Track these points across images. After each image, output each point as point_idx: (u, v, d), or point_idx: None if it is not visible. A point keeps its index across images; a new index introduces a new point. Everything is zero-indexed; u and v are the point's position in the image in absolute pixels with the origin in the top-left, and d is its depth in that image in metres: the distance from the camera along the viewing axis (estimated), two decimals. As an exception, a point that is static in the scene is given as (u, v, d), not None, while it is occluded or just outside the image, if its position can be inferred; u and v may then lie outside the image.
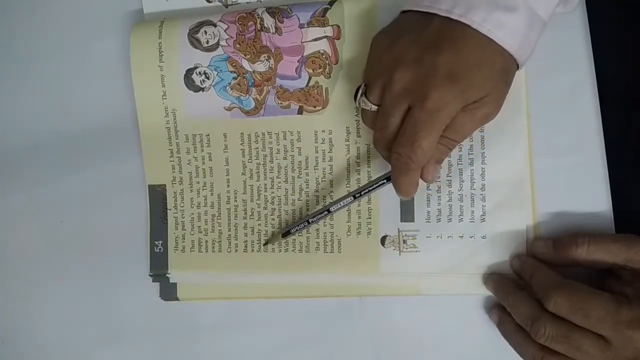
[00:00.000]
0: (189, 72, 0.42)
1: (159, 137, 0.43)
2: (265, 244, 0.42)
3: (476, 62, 0.32)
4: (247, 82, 0.42)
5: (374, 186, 0.38)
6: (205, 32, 0.41)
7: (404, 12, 0.36)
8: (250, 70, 0.41)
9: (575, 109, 0.40)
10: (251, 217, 0.42)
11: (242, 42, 0.41)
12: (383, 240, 0.41)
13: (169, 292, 0.43)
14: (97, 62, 0.45)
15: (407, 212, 0.41)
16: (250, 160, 0.42)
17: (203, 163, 0.43)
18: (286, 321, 0.43)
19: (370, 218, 0.41)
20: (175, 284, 0.43)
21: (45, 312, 0.45)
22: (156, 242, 0.43)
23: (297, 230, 0.40)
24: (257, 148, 0.42)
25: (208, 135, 0.43)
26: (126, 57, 0.42)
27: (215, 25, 0.41)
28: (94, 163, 0.44)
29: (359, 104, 0.36)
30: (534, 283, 0.37)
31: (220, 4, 0.43)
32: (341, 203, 0.39)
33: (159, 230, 0.43)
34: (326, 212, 0.39)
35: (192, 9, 0.43)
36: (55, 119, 0.45)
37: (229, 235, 0.43)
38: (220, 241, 0.43)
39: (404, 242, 0.41)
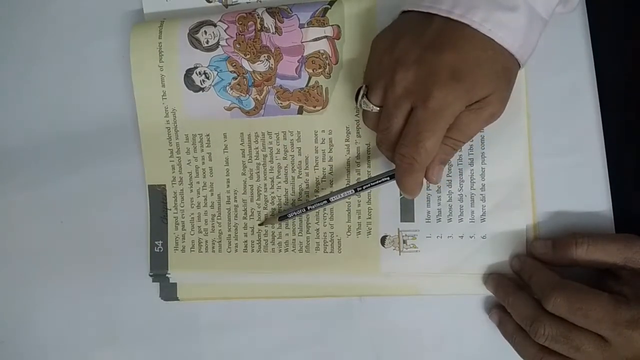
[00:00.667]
0: (189, 72, 0.42)
1: (159, 137, 0.43)
2: (261, 224, 0.42)
3: (477, 61, 0.32)
4: (247, 82, 0.42)
5: (376, 182, 0.38)
6: (205, 32, 0.41)
7: (404, 12, 0.36)
8: (250, 70, 0.41)
9: (575, 109, 0.40)
10: (251, 217, 0.42)
11: (242, 42, 0.41)
12: (383, 240, 0.41)
13: (169, 292, 0.43)
14: (97, 62, 0.45)
15: (407, 212, 0.41)
16: (250, 160, 0.42)
17: (203, 163, 0.43)
18: (286, 321, 0.43)
19: (370, 218, 0.41)
20: (175, 284, 0.43)
21: (45, 312, 0.45)
22: (156, 242, 0.43)
23: (294, 215, 0.40)
24: (257, 148, 0.42)
25: (208, 135, 0.43)
26: (126, 57, 0.42)
27: (215, 25, 0.41)
28: (94, 163, 0.44)
29: (360, 105, 0.36)
30: (533, 283, 0.37)
31: (220, 4, 0.43)
32: (341, 195, 0.39)
33: (159, 230, 0.43)
34: (325, 202, 0.39)
35: (192, 9, 0.43)
36: (55, 119, 0.45)
37: (229, 235, 0.43)
38: (220, 241, 0.43)
39: (404, 242, 0.41)
